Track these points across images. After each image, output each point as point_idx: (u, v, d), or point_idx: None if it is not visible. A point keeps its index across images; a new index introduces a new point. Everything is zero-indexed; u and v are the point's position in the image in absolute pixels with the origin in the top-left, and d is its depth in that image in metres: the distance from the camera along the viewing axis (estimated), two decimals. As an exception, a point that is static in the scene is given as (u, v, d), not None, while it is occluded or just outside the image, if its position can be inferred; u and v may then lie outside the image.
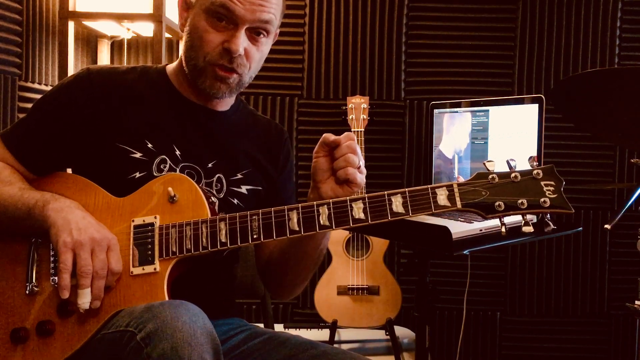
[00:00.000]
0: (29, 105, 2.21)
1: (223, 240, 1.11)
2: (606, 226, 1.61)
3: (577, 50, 2.77)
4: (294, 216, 1.09)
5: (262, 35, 1.24)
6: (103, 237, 1.09)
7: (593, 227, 2.78)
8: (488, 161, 1.06)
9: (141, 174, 1.22)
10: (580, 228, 1.93)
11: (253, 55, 1.24)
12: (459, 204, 1.05)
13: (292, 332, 2.10)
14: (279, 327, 2.61)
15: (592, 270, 2.80)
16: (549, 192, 1.03)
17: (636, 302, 1.85)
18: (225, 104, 1.35)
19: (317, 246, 1.24)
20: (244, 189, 1.31)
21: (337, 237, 2.54)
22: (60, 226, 1.09)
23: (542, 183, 1.04)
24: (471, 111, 2.04)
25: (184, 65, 1.27)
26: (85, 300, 1.07)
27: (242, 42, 1.20)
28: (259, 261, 1.39)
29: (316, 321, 2.60)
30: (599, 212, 2.79)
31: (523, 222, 1.06)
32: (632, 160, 1.88)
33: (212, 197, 1.23)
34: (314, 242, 1.22)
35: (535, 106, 1.82)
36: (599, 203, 2.78)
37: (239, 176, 1.31)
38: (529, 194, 1.04)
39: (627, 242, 2.72)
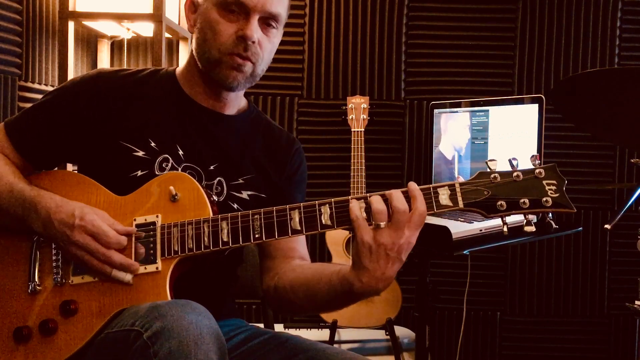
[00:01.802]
0: (29, 106, 2.21)
1: (225, 239, 1.11)
2: (606, 226, 1.61)
3: (577, 50, 2.77)
4: (296, 215, 1.09)
5: (272, 27, 1.25)
6: (72, 225, 1.10)
7: (593, 227, 2.78)
8: (490, 160, 1.06)
9: (143, 172, 1.22)
10: (580, 228, 1.94)
11: (265, 45, 1.25)
12: (460, 204, 1.05)
13: (292, 332, 2.10)
14: (279, 327, 2.61)
15: (592, 270, 2.80)
16: (551, 192, 1.03)
17: (636, 302, 1.85)
18: (233, 107, 1.34)
19: (351, 301, 1.15)
20: (244, 194, 1.31)
21: (337, 237, 2.55)
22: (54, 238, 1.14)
23: (544, 182, 1.04)
24: (471, 111, 2.04)
25: (197, 62, 1.27)
26: (122, 277, 1.11)
27: (255, 29, 1.21)
28: (269, 290, 1.33)
29: (316, 321, 2.60)
30: (599, 212, 2.79)
31: (525, 221, 1.06)
32: (632, 160, 1.88)
33: (213, 196, 1.23)
34: (350, 300, 1.14)
35: (535, 106, 1.82)
36: (599, 203, 2.78)
37: (240, 181, 1.31)
38: (531, 193, 1.04)
39: (627, 242, 2.72)
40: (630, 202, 1.65)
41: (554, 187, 1.03)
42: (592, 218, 2.79)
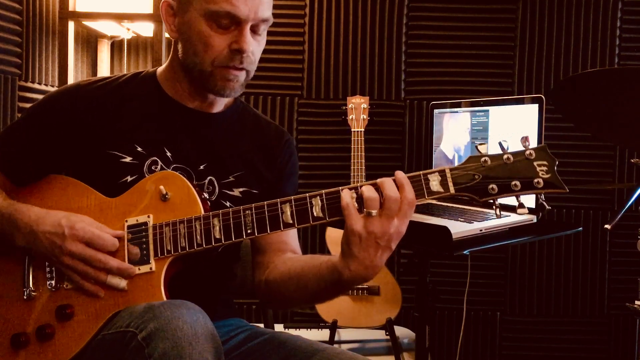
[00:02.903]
0: (29, 105, 2.22)
1: (217, 236, 1.10)
2: (606, 226, 1.61)
3: (577, 50, 2.77)
4: (287, 209, 1.08)
5: (261, 29, 1.23)
6: (62, 242, 1.10)
7: (593, 227, 2.78)
8: (480, 144, 1.05)
9: (132, 178, 1.21)
10: (580, 228, 1.93)
11: (256, 50, 1.23)
12: (452, 189, 1.04)
13: (292, 332, 2.09)
14: (279, 327, 2.61)
15: (592, 270, 2.79)
16: (542, 172, 1.02)
17: (636, 302, 1.85)
18: (219, 105, 1.33)
19: (340, 290, 1.15)
20: (236, 192, 1.30)
21: (337, 237, 2.54)
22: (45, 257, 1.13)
23: (535, 163, 1.02)
24: (471, 111, 2.04)
25: (184, 68, 1.26)
26: (117, 283, 1.11)
27: (249, 41, 1.19)
28: (259, 285, 1.33)
29: (316, 321, 2.60)
30: (599, 212, 2.79)
31: (517, 203, 1.04)
32: (632, 160, 1.88)
33: (204, 194, 1.23)
34: (338, 289, 1.14)
35: (535, 106, 1.82)
36: (599, 203, 2.78)
37: (231, 179, 1.30)
38: (522, 175, 1.02)
39: (627, 242, 2.72)
40: (630, 202, 1.65)
41: (545, 168, 1.02)
42: (592, 218, 2.79)
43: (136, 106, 1.27)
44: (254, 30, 1.21)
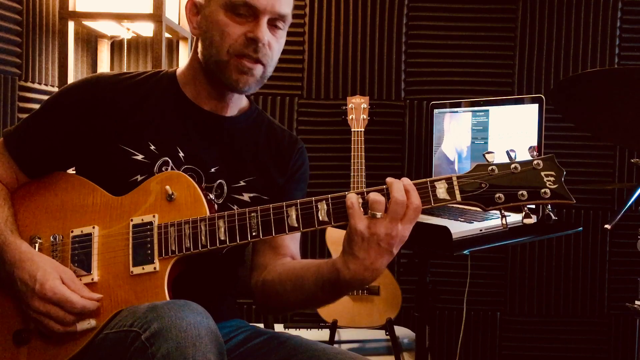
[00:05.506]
0: (29, 105, 2.22)
1: (222, 238, 1.11)
2: (606, 226, 1.61)
3: (577, 50, 2.77)
4: (293, 212, 1.08)
5: (279, 27, 1.24)
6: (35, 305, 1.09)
7: (593, 227, 2.78)
8: (488, 152, 1.05)
9: (142, 177, 1.21)
10: (580, 228, 1.94)
11: (274, 46, 1.24)
12: (458, 197, 1.04)
13: (292, 332, 2.10)
14: (279, 327, 2.61)
15: (592, 270, 2.79)
16: (550, 183, 1.02)
17: (636, 302, 1.86)
18: (234, 108, 1.33)
19: (338, 292, 1.14)
20: (246, 197, 1.30)
21: (337, 237, 2.54)
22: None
23: (543, 173, 1.03)
24: (471, 111, 2.04)
25: (202, 65, 1.26)
26: (87, 326, 1.11)
27: (265, 31, 1.20)
28: (256, 285, 1.32)
29: (316, 321, 2.60)
30: (599, 212, 2.79)
31: (524, 213, 1.05)
32: (632, 160, 1.88)
33: (210, 195, 1.23)
34: (336, 290, 1.13)
35: (535, 106, 1.82)
36: (599, 203, 2.78)
37: (242, 183, 1.30)
38: (529, 185, 1.02)
39: (627, 242, 2.72)
40: (630, 202, 1.65)
41: (552, 178, 1.02)
42: (592, 218, 2.78)
43: (153, 104, 1.28)
44: (273, 25, 1.22)
